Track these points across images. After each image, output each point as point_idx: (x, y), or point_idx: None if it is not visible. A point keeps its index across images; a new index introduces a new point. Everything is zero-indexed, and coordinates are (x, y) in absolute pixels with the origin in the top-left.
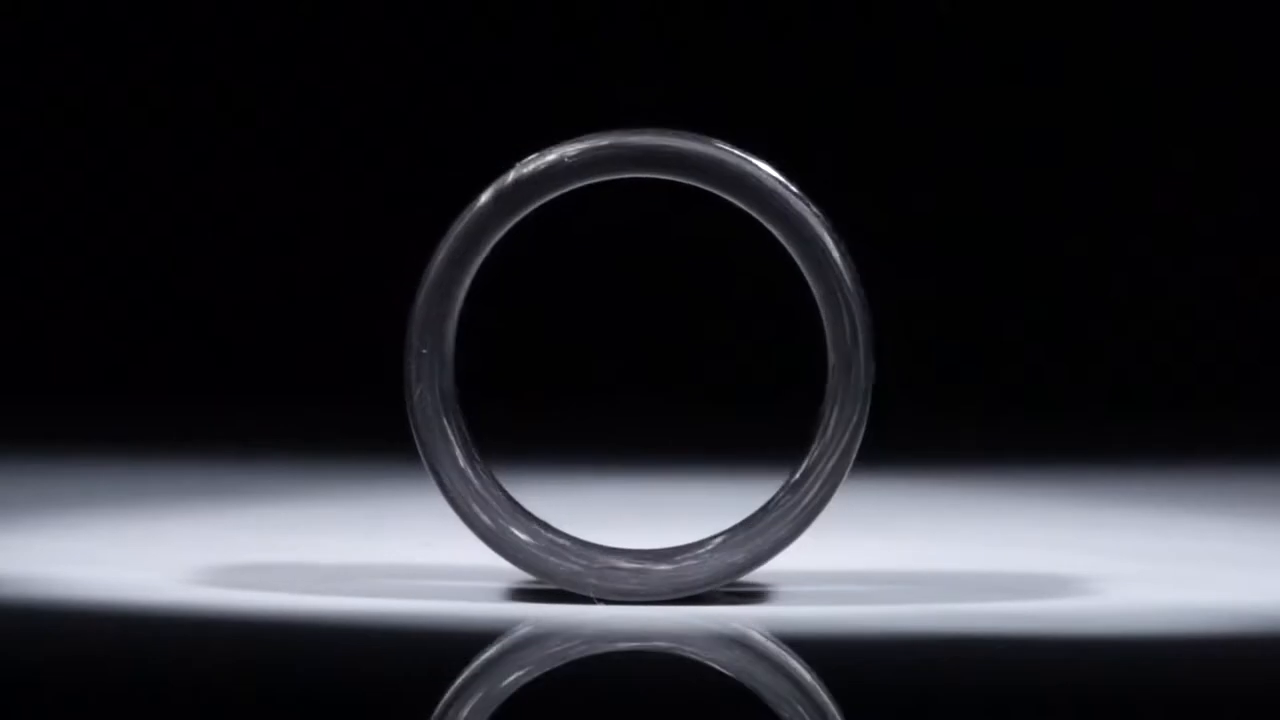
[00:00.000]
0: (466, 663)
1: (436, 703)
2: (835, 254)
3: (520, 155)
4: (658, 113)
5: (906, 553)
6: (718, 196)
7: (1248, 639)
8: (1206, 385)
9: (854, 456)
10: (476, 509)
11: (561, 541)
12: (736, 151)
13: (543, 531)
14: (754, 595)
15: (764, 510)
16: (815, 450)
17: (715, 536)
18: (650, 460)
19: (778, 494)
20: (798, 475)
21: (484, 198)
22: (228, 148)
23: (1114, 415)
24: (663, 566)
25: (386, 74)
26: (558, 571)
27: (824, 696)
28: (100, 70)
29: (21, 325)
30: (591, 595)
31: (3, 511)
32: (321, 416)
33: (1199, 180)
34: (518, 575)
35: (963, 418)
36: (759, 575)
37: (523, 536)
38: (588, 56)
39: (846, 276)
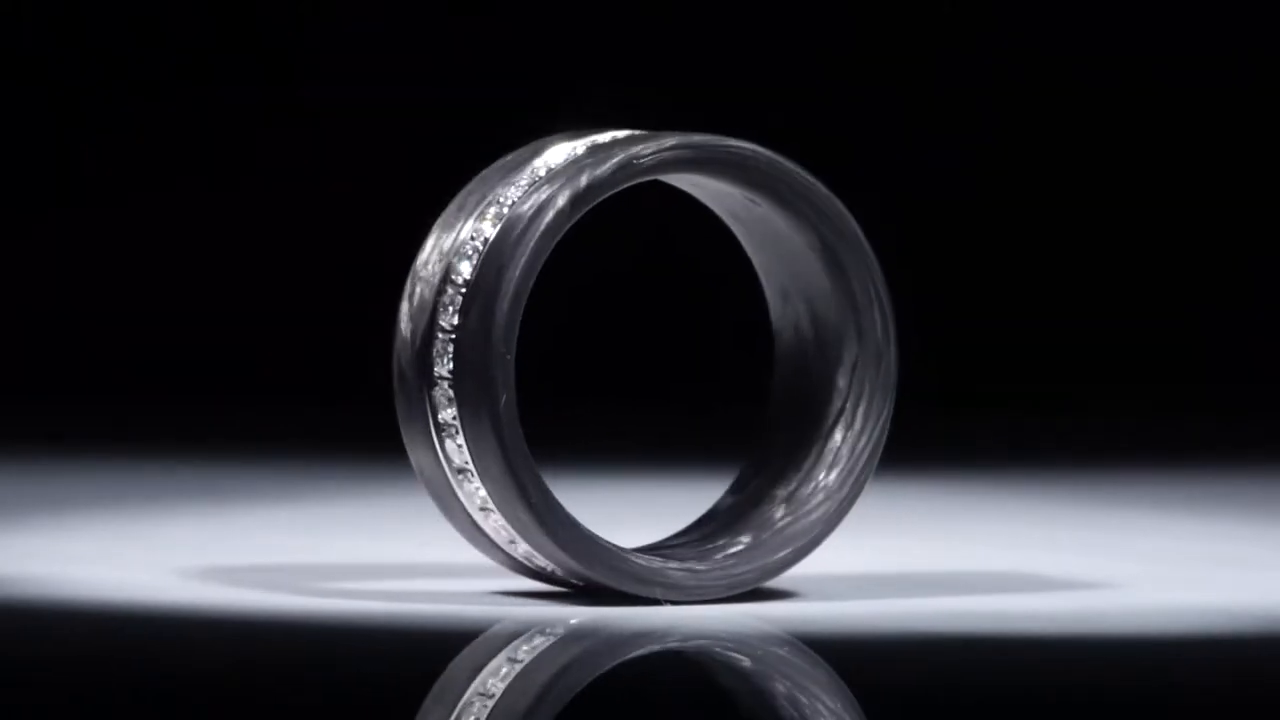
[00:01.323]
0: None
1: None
2: (870, 252)
3: (502, 152)
4: (635, 110)
5: (910, 553)
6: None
7: (1247, 639)
8: (1207, 386)
9: (882, 447)
10: (556, 517)
11: (619, 544)
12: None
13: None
14: (766, 594)
15: (786, 504)
16: (838, 443)
17: (744, 529)
18: (618, 461)
19: (788, 488)
20: (824, 466)
21: (560, 201)
22: (225, 147)
23: (1115, 416)
24: (706, 564)
25: (386, 74)
26: (635, 572)
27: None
28: (108, 69)
29: (23, 326)
30: (660, 597)
31: (3, 512)
32: (321, 416)
33: (1197, 181)
34: (514, 574)
35: (965, 420)
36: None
37: (602, 543)
38: (570, 55)
39: (881, 273)
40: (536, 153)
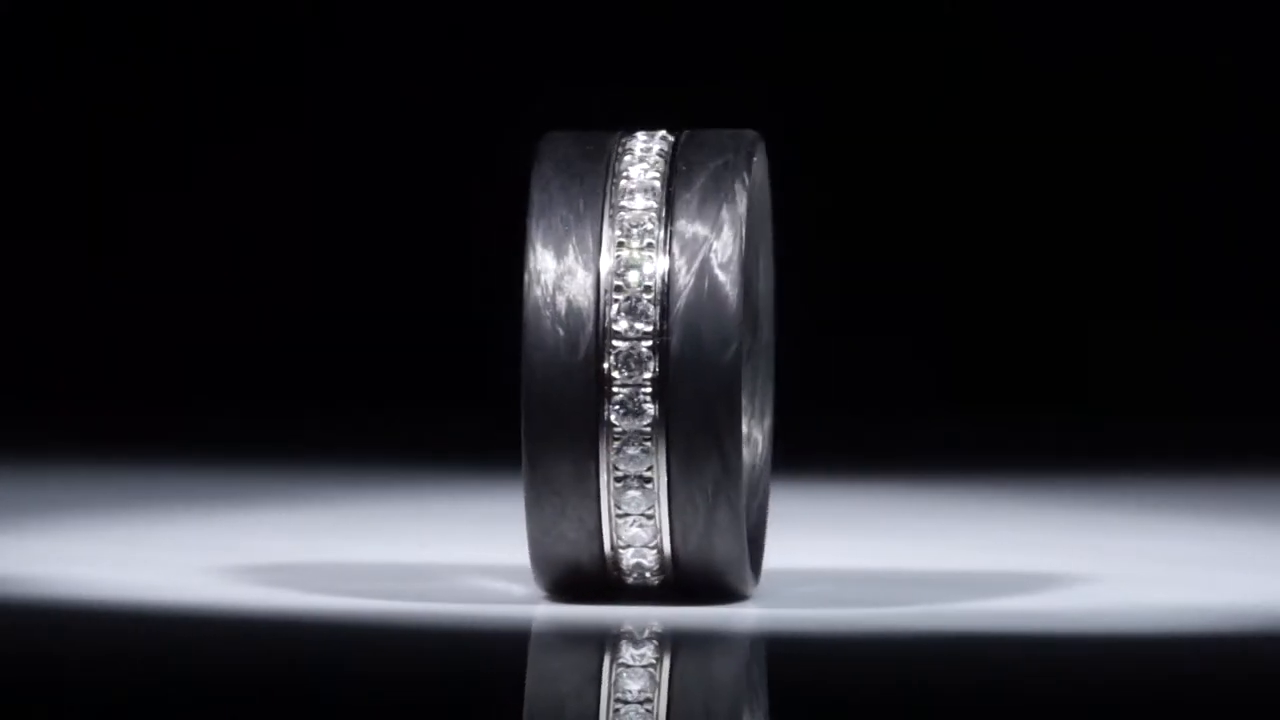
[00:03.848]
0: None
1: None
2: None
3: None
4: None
5: (906, 553)
6: None
7: (1243, 639)
8: (1203, 389)
9: None
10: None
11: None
12: None
13: None
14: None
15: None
16: (746, 428)
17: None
18: None
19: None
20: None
21: (740, 195)
22: (230, 147)
23: (1111, 418)
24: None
25: (387, 74)
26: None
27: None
28: (139, 75)
29: (69, 332)
30: (748, 593)
31: (37, 513)
32: (336, 420)
33: (1193, 181)
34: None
35: (956, 420)
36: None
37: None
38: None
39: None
40: (614, 149)
